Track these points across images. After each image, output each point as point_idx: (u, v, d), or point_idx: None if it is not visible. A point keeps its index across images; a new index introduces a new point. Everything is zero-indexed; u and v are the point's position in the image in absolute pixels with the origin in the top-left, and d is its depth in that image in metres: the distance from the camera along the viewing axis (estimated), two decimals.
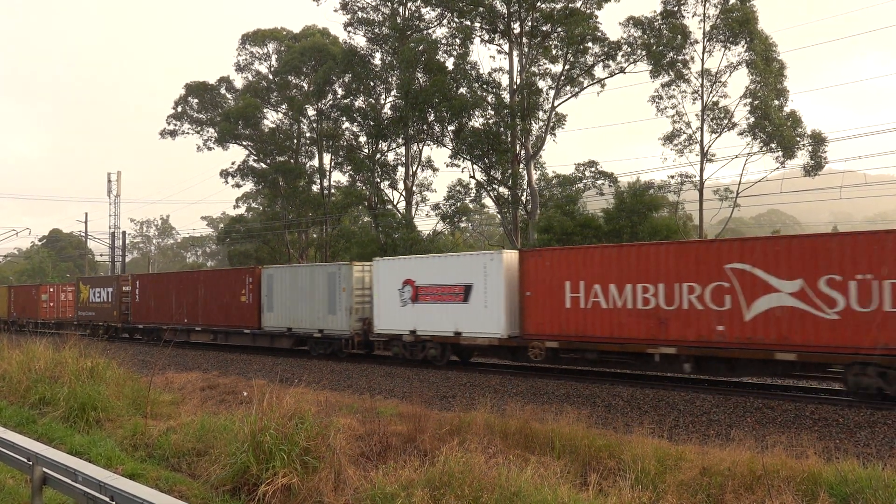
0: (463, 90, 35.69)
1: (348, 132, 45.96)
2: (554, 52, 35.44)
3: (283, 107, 52.29)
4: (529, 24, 34.89)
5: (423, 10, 39.75)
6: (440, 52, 36.70)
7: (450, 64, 36.68)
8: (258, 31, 52.35)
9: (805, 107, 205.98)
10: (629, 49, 33.91)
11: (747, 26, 31.92)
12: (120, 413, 13.76)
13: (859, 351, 13.73)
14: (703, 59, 33.82)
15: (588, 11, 33.83)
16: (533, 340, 18.69)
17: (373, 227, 42.44)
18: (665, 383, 17.22)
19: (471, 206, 41.28)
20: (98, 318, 37.86)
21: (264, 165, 52.75)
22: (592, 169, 36.60)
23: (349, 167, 44.44)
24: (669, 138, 35.50)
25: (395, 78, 40.28)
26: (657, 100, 35.28)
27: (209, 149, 53.02)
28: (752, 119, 32.77)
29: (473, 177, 37.03)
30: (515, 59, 35.73)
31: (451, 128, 36.62)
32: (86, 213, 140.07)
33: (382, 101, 43.15)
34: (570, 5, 33.83)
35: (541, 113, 35.20)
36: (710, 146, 34.17)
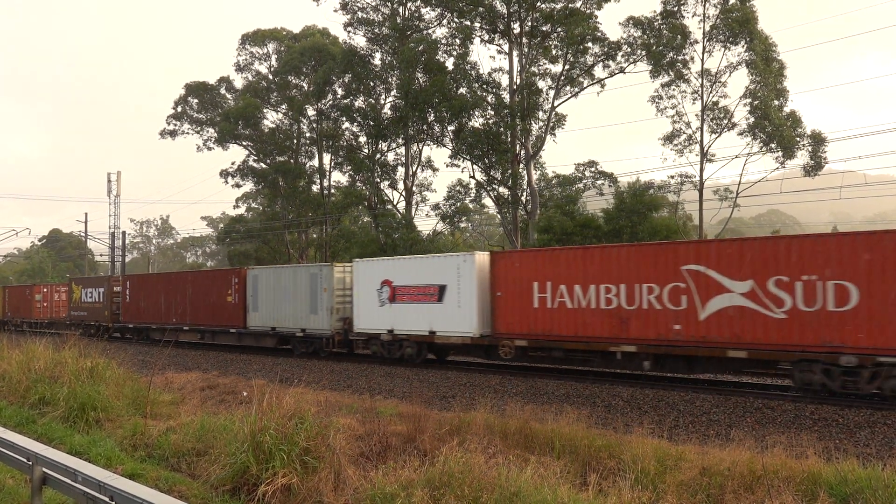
0: (463, 90, 35.67)
1: (348, 132, 45.97)
2: (554, 52, 35.46)
3: (283, 107, 52.24)
4: (529, 24, 34.88)
5: (423, 11, 39.76)
6: (440, 52, 36.69)
7: (450, 64, 36.72)
8: (258, 32, 52.31)
9: (805, 107, 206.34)
10: (629, 49, 33.92)
11: (747, 26, 31.91)
12: (120, 413, 13.76)
13: (805, 349, 14.25)
14: (702, 60, 33.85)
15: (588, 11, 33.83)
16: (503, 339, 19.24)
17: (373, 227, 42.42)
18: (665, 383, 17.25)
19: (471, 206, 41.29)
20: (90, 317, 38.25)
21: (264, 165, 52.67)
22: (592, 169, 36.64)
23: (349, 167, 44.43)
24: (669, 138, 35.49)
25: (395, 78, 40.25)
26: (657, 100, 35.28)
27: (209, 149, 52.99)
28: (752, 119, 32.75)
29: (473, 177, 37.05)
30: (515, 60, 35.77)
31: (450, 128, 36.60)
32: (86, 213, 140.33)
33: (382, 102, 43.14)
34: (569, 5, 33.83)
35: (541, 113, 35.20)
36: (709, 146, 34.19)
